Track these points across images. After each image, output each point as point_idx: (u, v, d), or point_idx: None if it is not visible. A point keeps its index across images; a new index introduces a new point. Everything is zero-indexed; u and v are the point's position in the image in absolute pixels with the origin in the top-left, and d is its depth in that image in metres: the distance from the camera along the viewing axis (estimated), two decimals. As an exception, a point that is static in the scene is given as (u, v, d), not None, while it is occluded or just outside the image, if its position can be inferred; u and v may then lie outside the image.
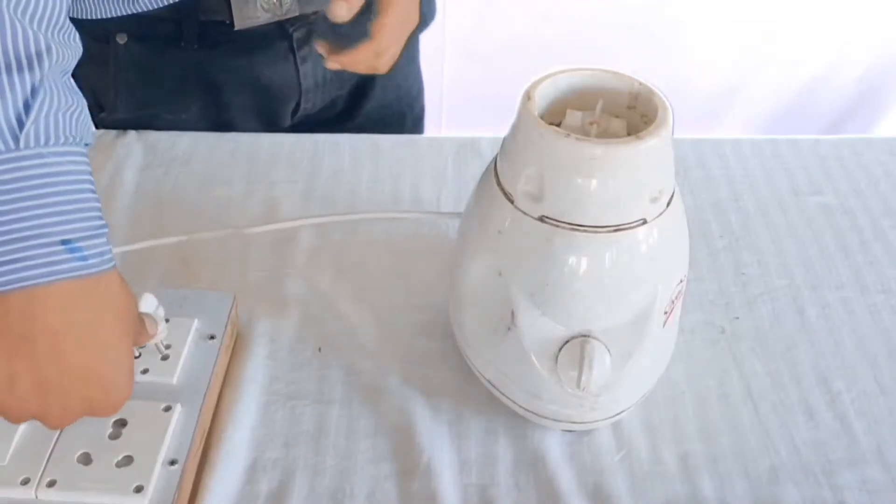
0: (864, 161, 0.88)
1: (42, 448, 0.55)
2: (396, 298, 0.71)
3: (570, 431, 0.61)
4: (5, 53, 0.43)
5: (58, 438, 0.55)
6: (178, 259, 0.73)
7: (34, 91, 0.44)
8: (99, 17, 0.77)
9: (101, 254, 0.46)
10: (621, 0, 1.62)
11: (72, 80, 0.48)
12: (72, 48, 0.47)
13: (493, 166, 0.57)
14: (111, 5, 0.75)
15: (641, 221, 0.53)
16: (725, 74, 1.72)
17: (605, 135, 0.54)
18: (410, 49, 0.99)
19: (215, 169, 0.84)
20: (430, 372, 0.65)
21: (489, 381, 0.61)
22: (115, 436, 0.56)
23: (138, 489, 0.53)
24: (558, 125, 0.54)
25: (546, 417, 0.59)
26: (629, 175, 0.51)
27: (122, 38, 0.82)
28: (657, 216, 0.53)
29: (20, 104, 0.43)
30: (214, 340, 0.63)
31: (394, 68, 0.95)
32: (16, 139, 0.43)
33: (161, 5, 0.75)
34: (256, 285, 0.72)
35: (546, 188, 0.52)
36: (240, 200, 0.80)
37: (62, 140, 0.45)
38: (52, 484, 0.53)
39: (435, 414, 0.63)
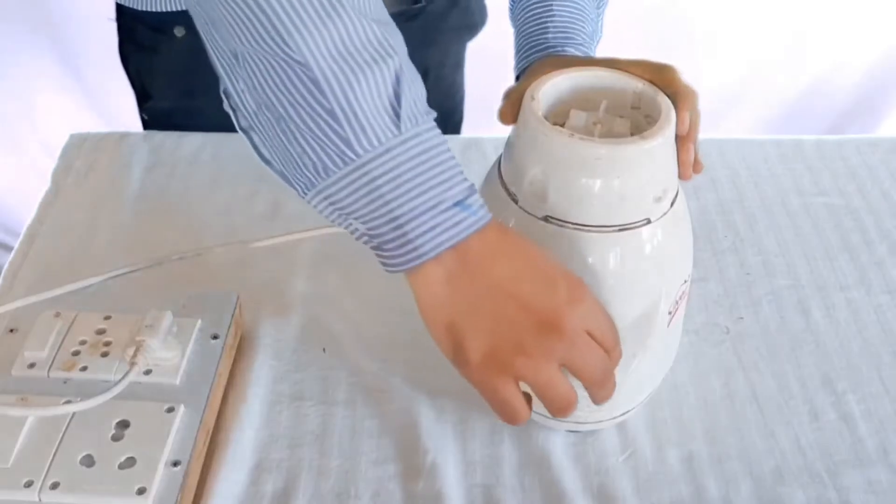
0: (869, 161, 0.88)
1: (45, 450, 0.55)
2: (401, 298, 0.71)
3: (574, 432, 0.61)
4: (365, 48, 0.46)
5: (61, 440, 0.55)
6: (182, 259, 0.73)
7: (398, 76, 0.47)
8: (160, 9, 0.80)
9: (482, 206, 0.50)
10: (624, 2, 1.62)
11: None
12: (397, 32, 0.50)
13: (497, 167, 0.57)
14: None
15: (645, 221, 0.53)
16: (729, 76, 1.71)
17: (609, 135, 0.54)
18: (457, 57, 0.99)
19: (221, 169, 0.84)
20: (434, 372, 0.65)
21: (493, 382, 0.61)
22: (117, 437, 0.56)
23: (141, 491, 0.53)
24: (562, 125, 0.54)
25: (551, 418, 0.59)
26: (633, 175, 0.51)
27: (179, 31, 0.83)
28: (661, 216, 0.53)
29: (391, 92, 0.47)
30: (218, 340, 0.63)
31: (442, 76, 0.95)
32: (397, 125, 0.47)
33: None
34: (261, 285, 0.72)
35: (550, 188, 0.52)
36: (245, 201, 0.80)
37: (425, 117, 0.49)
38: (55, 486, 0.53)
39: (439, 415, 0.62)
